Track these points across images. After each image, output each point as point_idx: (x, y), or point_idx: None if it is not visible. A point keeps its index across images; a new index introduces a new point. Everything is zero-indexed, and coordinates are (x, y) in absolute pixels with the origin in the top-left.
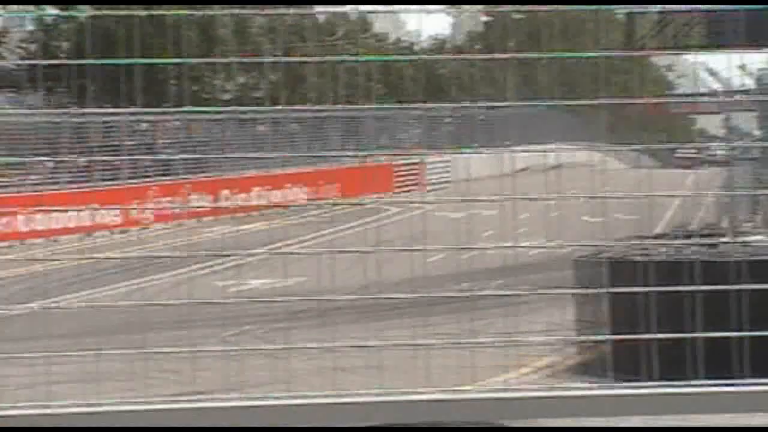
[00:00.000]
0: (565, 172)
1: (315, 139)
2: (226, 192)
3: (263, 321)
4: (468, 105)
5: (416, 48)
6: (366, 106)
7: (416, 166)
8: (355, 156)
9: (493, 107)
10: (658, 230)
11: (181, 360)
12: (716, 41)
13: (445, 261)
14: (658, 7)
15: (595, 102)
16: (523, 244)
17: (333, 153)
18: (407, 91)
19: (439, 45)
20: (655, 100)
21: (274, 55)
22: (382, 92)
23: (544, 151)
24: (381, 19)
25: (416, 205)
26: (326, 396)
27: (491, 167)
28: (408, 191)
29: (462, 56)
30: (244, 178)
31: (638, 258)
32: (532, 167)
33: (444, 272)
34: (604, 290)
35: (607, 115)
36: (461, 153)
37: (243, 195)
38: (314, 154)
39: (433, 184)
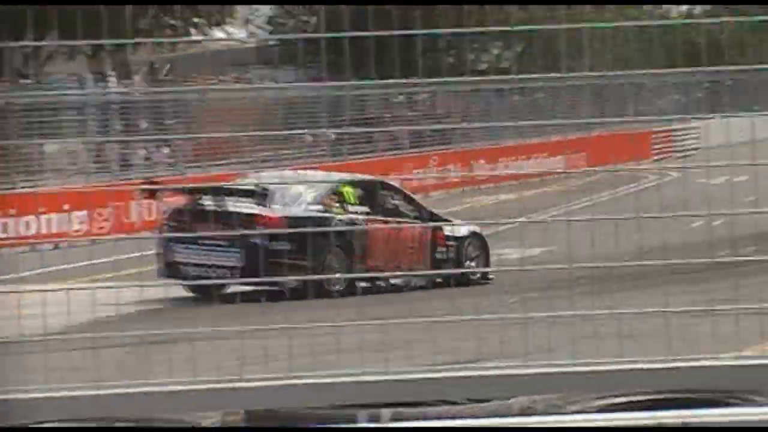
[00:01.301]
0: None
1: (568, 107)
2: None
3: (544, 288)
4: (721, 69)
5: (672, 14)
6: (619, 73)
7: (664, 134)
8: (602, 124)
9: (743, 71)
10: None
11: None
12: None
13: (705, 228)
14: None
15: None
16: None
17: (577, 121)
18: (662, 57)
19: (691, 10)
20: None
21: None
22: (636, 58)
23: None
24: None
25: (674, 172)
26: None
27: (744, 134)
28: (668, 158)
29: (714, 19)
30: (500, 148)
31: None
32: None
33: (707, 239)
34: None
35: None
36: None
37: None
38: (564, 122)
39: (680, 151)
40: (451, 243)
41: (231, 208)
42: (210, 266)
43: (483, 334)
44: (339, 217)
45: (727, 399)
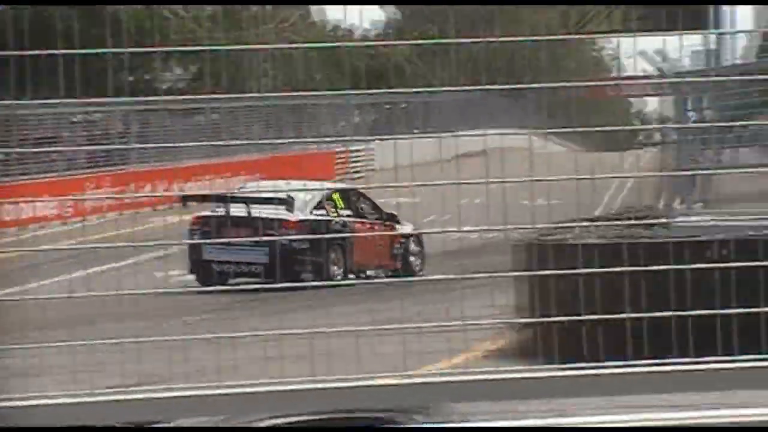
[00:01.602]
0: (503, 156)
1: (267, 127)
2: (171, 182)
3: (204, 311)
4: (401, 92)
5: (357, 35)
6: (306, 94)
7: (344, 154)
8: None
9: (431, 93)
10: (597, 213)
11: (122, 352)
12: (651, 25)
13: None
14: None
15: (525, 87)
16: (465, 229)
17: (257, 142)
18: (349, 79)
19: (380, 31)
20: (583, 84)
21: (213, 45)
22: (324, 80)
23: (471, 136)
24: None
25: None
26: (270, 384)
27: (428, 153)
28: (351, 178)
29: (400, 42)
30: (184, 168)
31: (574, 241)
32: (471, 152)
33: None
34: (532, 273)
35: (548, 98)
36: (400, 138)
37: (187, 184)
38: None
39: (357, 172)
40: (402, 240)
41: (256, 214)
42: (238, 263)
43: None
44: (335, 219)
45: (392, 417)
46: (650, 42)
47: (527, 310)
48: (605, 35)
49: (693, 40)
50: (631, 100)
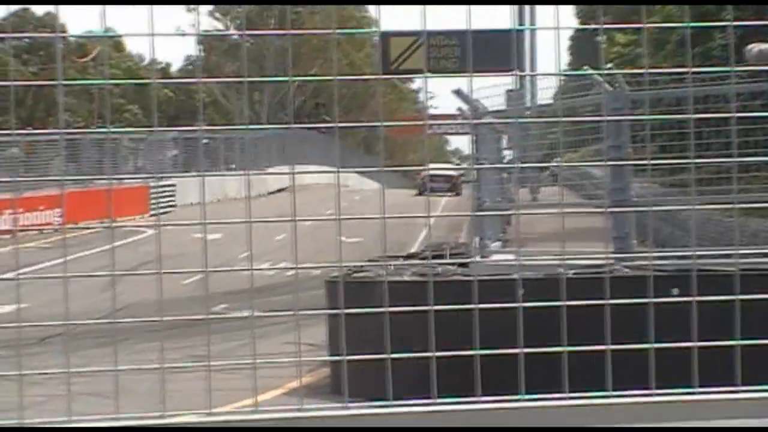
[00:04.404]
0: (320, 193)
1: (70, 161)
2: None
3: (12, 346)
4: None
5: (172, 70)
6: (117, 130)
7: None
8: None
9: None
10: (412, 250)
11: None
12: (465, 64)
13: (199, 283)
14: (409, 29)
15: (338, 126)
16: (278, 266)
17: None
18: (163, 113)
19: (191, 66)
20: (393, 123)
21: (25, 77)
22: (137, 114)
23: (272, 173)
24: (136, 40)
25: (169, 227)
26: (75, 421)
27: (239, 189)
28: (164, 213)
29: (211, 79)
30: None
31: (387, 278)
32: (289, 188)
33: (198, 294)
34: (344, 311)
35: (363, 136)
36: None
37: None
38: (65, 178)
39: (159, 207)
40: None
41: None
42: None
43: None
44: None
45: None
46: (467, 81)
47: (335, 347)
48: (417, 75)
49: (506, 80)
50: (448, 138)
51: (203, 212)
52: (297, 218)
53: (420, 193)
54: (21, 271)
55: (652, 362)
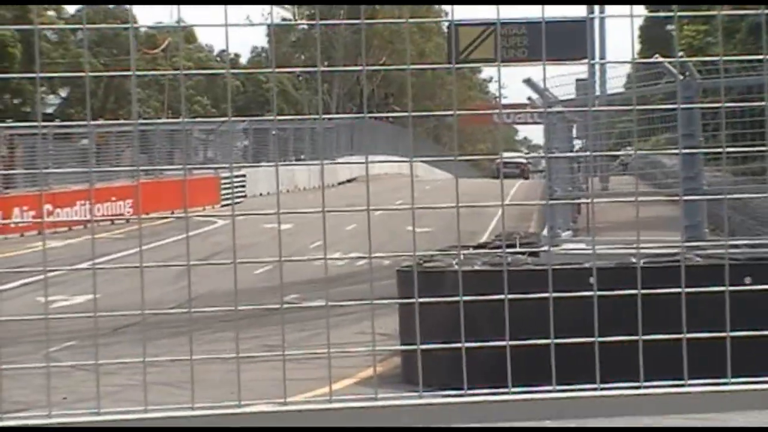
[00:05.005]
0: (390, 182)
1: (141, 152)
2: (48, 206)
3: (87, 336)
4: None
5: (241, 61)
6: (189, 120)
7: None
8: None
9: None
10: (482, 240)
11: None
12: (536, 53)
13: (270, 273)
14: (480, 18)
15: (412, 114)
16: (350, 255)
17: (150, 168)
18: (232, 104)
19: (261, 57)
20: (466, 112)
21: (96, 69)
22: (206, 105)
23: (352, 163)
24: (206, 31)
25: (240, 218)
26: (152, 411)
27: (308, 180)
28: (235, 203)
29: (283, 69)
30: (68, 192)
31: (458, 267)
32: (359, 178)
33: (269, 284)
34: (417, 300)
35: (433, 125)
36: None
37: (67, 209)
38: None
39: (229, 198)
40: None
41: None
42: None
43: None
44: None
45: None
46: (535, 70)
47: (406, 336)
48: (488, 63)
49: (575, 69)
50: (517, 127)
51: (278, 202)
52: (371, 208)
53: (494, 177)
54: (94, 261)
55: (727, 351)
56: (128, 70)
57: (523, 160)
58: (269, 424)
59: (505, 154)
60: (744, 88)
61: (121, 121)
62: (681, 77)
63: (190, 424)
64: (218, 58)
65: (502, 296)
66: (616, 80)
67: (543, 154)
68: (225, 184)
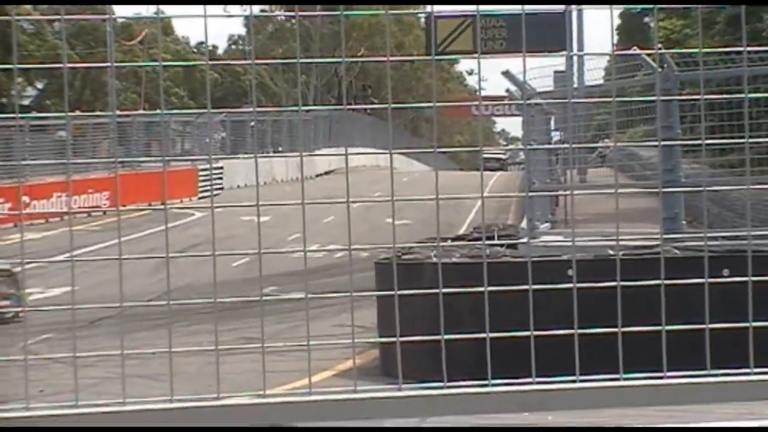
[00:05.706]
0: (368, 175)
1: (118, 143)
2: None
3: (64, 329)
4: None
5: (219, 51)
6: (167, 112)
7: (204, 172)
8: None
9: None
10: (460, 232)
11: None
12: (515, 45)
13: (248, 265)
14: (458, 10)
15: (388, 106)
16: (329, 248)
17: (128, 159)
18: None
19: (238, 48)
20: (445, 104)
21: (73, 61)
22: (183, 97)
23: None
24: (181, 22)
25: (218, 210)
26: (130, 403)
27: (287, 172)
28: (213, 195)
29: (262, 61)
30: (45, 184)
31: (436, 259)
32: (338, 170)
33: (247, 276)
34: (396, 292)
35: (410, 118)
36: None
37: (44, 201)
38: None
39: (206, 190)
40: None
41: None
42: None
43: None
44: None
45: None
46: (513, 63)
47: (384, 329)
48: (466, 56)
49: (554, 61)
50: (495, 119)
51: (257, 194)
52: (350, 200)
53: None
54: (71, 254)
55: (706, 343)
56: (106, 61)
57: (503, 156)
58: (248, 416)
59: (486, 149)
60: (722, 80)
61: (99, 113)
62: (659, 69)
63: (169, 416)
64: (195, 50)
65: (481, 288)
66: (595, 72)
67: (521, 147)
68: (203, 176)
